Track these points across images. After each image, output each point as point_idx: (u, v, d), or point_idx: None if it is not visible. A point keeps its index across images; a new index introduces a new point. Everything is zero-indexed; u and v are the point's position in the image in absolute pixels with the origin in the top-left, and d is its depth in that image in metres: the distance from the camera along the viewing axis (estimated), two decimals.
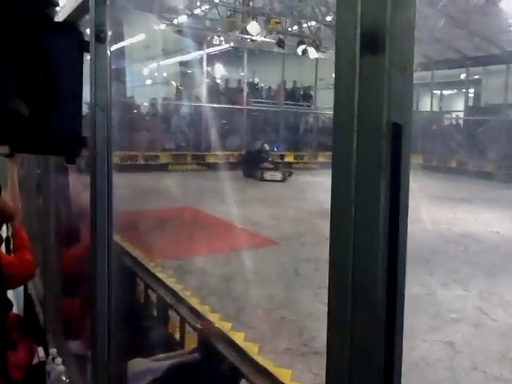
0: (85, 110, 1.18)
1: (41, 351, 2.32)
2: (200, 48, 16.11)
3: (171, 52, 18.77)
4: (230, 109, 16.97)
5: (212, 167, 14.47)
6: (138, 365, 2.16)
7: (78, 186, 3.03)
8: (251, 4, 14.26)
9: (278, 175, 13.19)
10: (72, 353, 2.45)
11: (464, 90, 18.92)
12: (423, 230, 6.62)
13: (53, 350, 2.14)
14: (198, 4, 14.72)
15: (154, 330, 2.83)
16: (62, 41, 1.03)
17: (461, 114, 18.89)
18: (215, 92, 17.24)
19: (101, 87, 1.62)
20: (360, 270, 0.72)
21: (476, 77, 19.35)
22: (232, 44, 16.20)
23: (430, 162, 16.48)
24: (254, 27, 14.03)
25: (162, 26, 16.04)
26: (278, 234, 6.85)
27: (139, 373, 2.12)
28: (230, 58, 18.27)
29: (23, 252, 2.21)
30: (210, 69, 17.48)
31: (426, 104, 19.09)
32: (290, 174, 13.72)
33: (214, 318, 2.51)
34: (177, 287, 3.00)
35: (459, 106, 19.65)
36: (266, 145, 14.60)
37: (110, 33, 1.59)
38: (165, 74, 19.78)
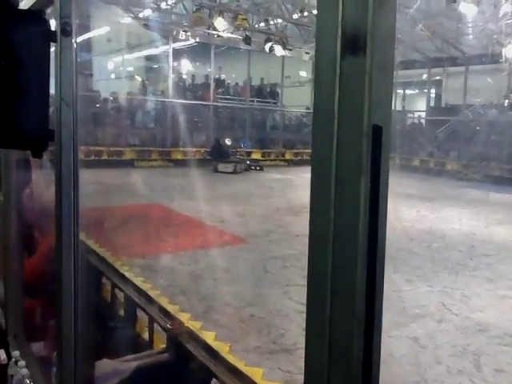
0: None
1: (2, 354, 2.25)
2: (166, 43, 15.91)
3: (136, 46, 18.46)
4: (196, 105, 16.84)
5: (178, 163, 14.35)
6: (105, 366, 2.11)
7: (42, 182, 2.93)
8: (218, 0, 14.20)
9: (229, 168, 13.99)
10: (36, 355, 2.37)
11: (426, 91, 19.44)
12: (388, 227, 6.75)
13: (15, 353, 2.07)
14: None
15: (121, 330, 2.78)
16: (27, 30, 0.98)
17: (423, 114, 19.41)
18: (181, 87, 17.08)
19: (66, 81, 1.58)
20: (339, 269, 0.72)
21: (437, 78, 19.92)
22: (198, 39, 16.08)
23: (394, 160, 16.86)
24: (220, 23, 13.98)
25: (128, 20, 15.74)
26: (246, 231, 6.85)
27: (106, 374, 2.08)
28: (197, 53, 18.11)
29: None
30: (176, 64, 17.28)
31: None
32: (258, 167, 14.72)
33: (184, 318, 2.48)
34: (145, 286, 2.95)
35: (421, 105, 20.19)
36: (227, 140, 15.21)
37: (75, 25, 1.54)
38: (130, 69, 19.43)
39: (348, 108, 0.69)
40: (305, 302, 0.68)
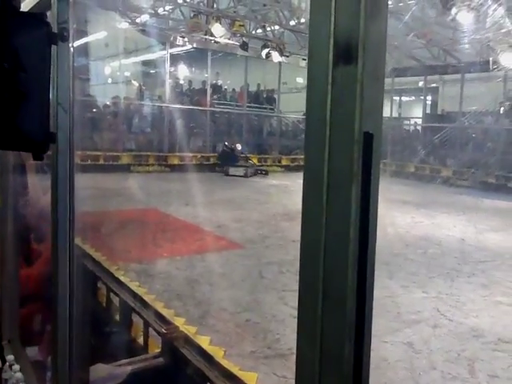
0: None
1: None
2: (163, 48, 15.95)
3: (134, 51, 18.50)
4: (193, 110, 16.85)
5: (175, 169, 14.35)
6: (100, 371, 2.11)
7: (38, 186, 2.94)
8: (215, 6, 14.26)
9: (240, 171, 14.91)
10: (30, 360, 2.37)
11: (422, 98, 19.54)
12: (383, 233, 6.77)
13: (10, 357, 2.07)
14: (162, 3, 14.58)
15: (116, 335, 2.78)
16: (29, 32, 0.98)
17: (419, 121, 19.51)
18: (178, 93, 17.10)
19: (63, 86, 1.59)
20: (330, 274, 0.73)
21: (433, 85, 20.04)
22: (196, 45, 16.12)
23: (390, 166, 16.91)
24: (217, 29, 14.02)
25: (125, 25, 15.78)
26: (242, 237, 6.86)
27: (101, 379, 2.08)
28: (194, 59, 18.16)
29: None
30: (173, 69, 17.31)
31: (385, 110, 19.59)
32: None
33: (179, 322, 2.49)
34: (140, 291, 2.95)
35: (417, 112, 20.28)
36: (238, 145, 15.83)
37: (72, 30, 1.56)
38: (127, 73, 19.46)
39: (340, 115, 0.71)
40: None
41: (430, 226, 8.29)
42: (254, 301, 4.44)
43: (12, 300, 2.61)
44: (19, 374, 1.97)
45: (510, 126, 15.79)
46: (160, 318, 2.53)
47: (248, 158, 15.84)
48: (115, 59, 18.99)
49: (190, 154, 15.24)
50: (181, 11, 14.91)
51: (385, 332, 3.70)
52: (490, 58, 14.05)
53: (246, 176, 14.57)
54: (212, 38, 14.87)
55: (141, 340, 2.60)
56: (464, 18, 12.35)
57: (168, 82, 16.19)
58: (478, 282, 5.29)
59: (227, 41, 15.44)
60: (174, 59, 16.96)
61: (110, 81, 19.94)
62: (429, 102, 20.38)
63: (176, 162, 14.96)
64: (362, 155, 0.69)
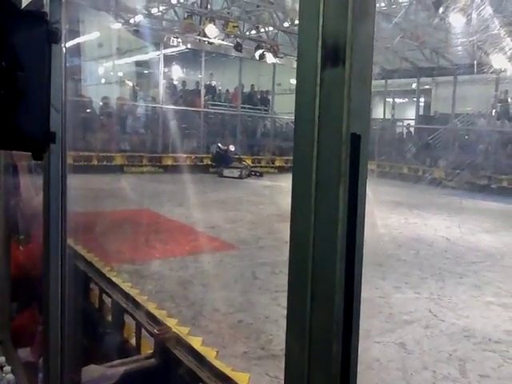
0: None
1: None
2: (157, 49, 15.92)
3: (127, 51, 18.44)
4: (187, 111, 16.82)
5: (169, 170, 14.32)
6: (92, 372, 2.11)
7: (30, 187, 2.93)
8: (209, 7, 14.25)
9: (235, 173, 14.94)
10: (22, 361, 2.36)
11: (415, 99, 19.63)
12: (376, 234, 6.82)
13: (1, 358, 2.06)
14: (156, 4, 14.56)
15: (109, 336, 2.77)
16: (29, 31, 0.97)
17: (412, 122, 19.60)
18: (172, 93, 17.07)
19: (55, 87, 1.58)
20: (319, 271, 0.74)
21: (426, 87, 20.13)
22: (189, 46, 16.11)
23: (384, 167, 16.97)
24: (211, 30, 14.02)
25: (118, 25, 15.73)
26: (236, 238, 6.86)
27: (94, 380, 2.08)
28: (188, 59, 18.13)
29: None
30: (167, 70, 17.28)
31: (379, 112, 19.67)
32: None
33: (171, 323, 2.49)
34: (132, 292, 2.94)
35: (410, 114, 20.37)
36: (231, 146, 15.74)
37: (64, 31, 1.55)
38: (120, 74, 19.39)
39: (328, 117, 0.72)
40: None
41: (423, 227, 8.33)
42: (247, 301, 4.45)
43: (3, 302, 2.59)
44: (10, 376, 1.96)
45: (501, 128, 15.91)
46: (152, 318, 2.53)
47: (242, 160, 15.81)
48: (109, 59, 18.93)
49: (184, 155, 15.22)
50: (175, 12, 14.89)
51: (377, 332, 3.72)
52: (482, 60, 14.15)
53: (240, 177, 14.57)
54: (206, 39, 14.86)
55: (133, 341, 2.60)
56: (456, 20, 12.45)
57: (162, 82, 16.16)
58: (469, 283, 5.33)
59: (221, 42, 15.44)
60: (168, 60, 16.93)
61: (103, 81, 19.88)
62: (422, 104, 20.48)
63: (170, 162, 14.94)
64: (349, 156, 0.70)
